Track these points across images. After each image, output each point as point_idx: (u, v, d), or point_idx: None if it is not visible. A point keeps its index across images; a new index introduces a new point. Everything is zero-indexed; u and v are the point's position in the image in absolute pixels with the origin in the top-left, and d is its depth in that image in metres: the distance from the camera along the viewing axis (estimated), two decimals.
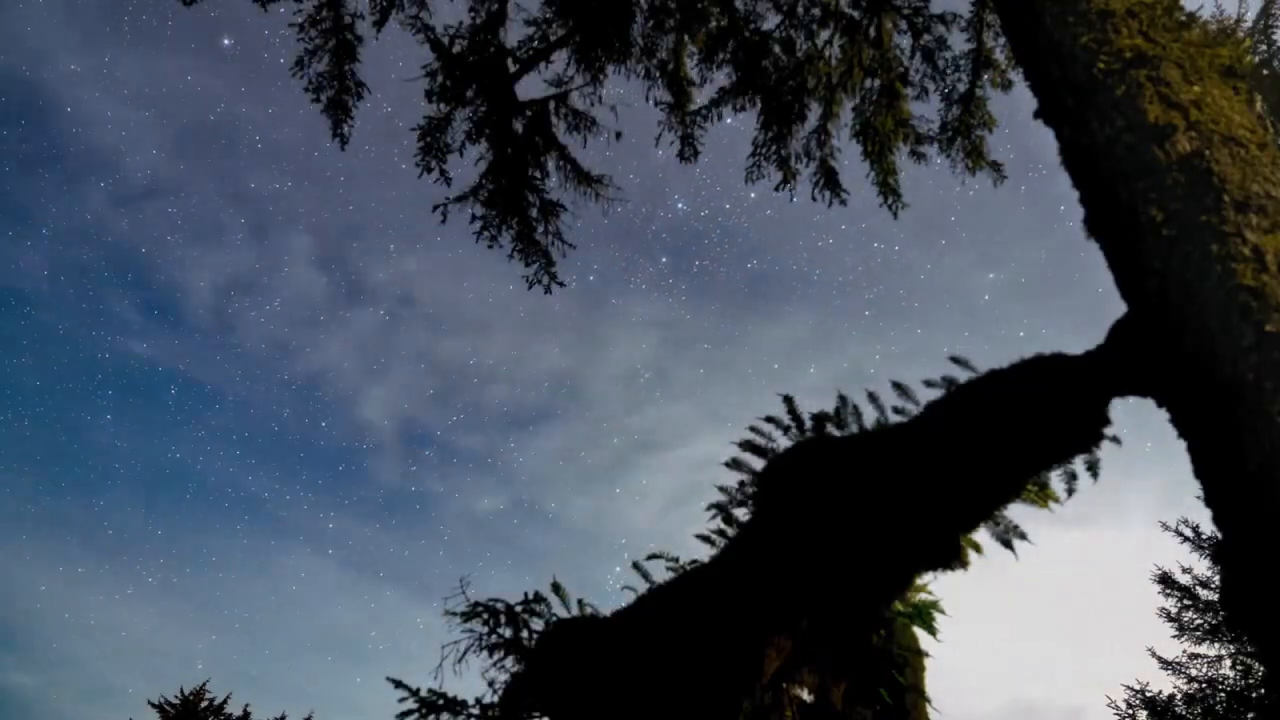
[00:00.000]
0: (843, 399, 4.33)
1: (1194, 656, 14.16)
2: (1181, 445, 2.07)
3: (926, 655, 4.37)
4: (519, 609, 3.77)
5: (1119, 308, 2.50)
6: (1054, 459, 3.13)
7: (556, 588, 3.93)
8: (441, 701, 3.61)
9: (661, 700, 3.14)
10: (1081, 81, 2.47)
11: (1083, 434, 2.94)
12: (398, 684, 3.66)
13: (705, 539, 4.41)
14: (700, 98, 7.59)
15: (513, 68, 7.14)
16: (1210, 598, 14.15)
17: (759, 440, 4.48)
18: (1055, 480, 3.59)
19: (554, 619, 3.74)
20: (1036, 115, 2.80)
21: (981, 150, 7.55)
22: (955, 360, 3.59)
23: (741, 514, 4.38)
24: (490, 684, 3.61)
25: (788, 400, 4.52)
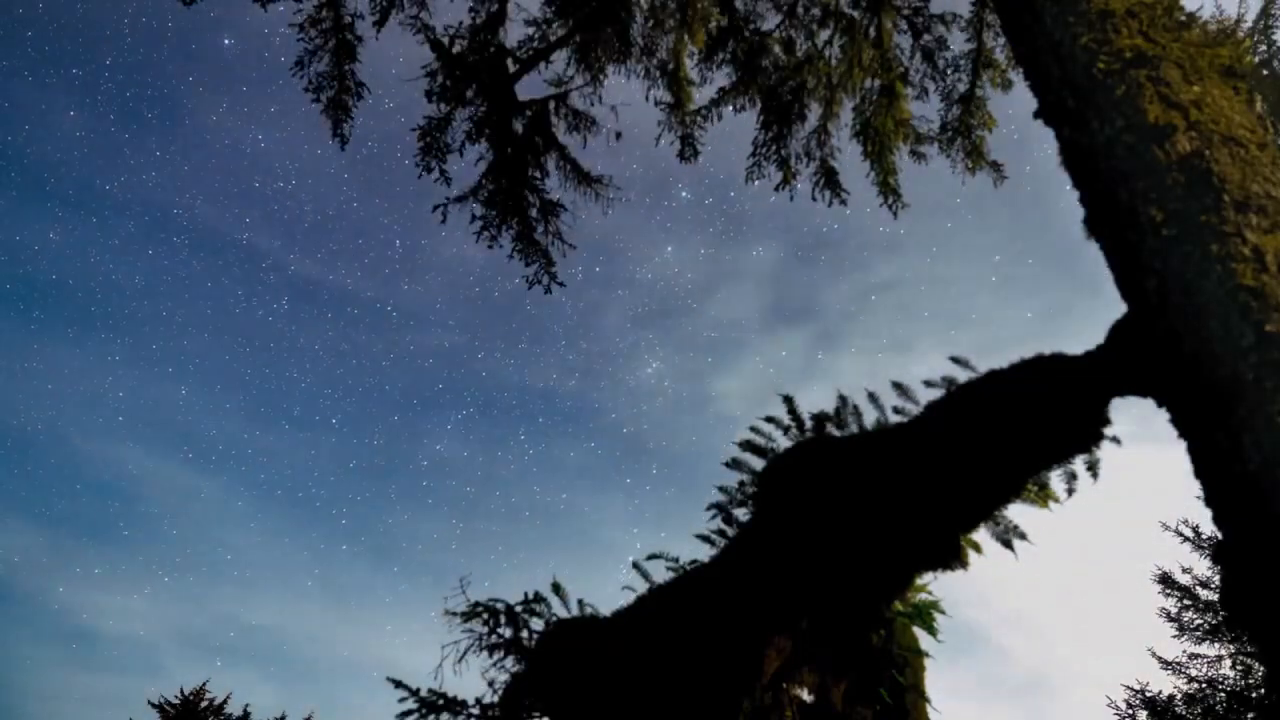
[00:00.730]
0: (843, 399, 4.33)
1: (1194, 656, 14.16)
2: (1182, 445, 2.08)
3: (926, 655, 4.37)
4: (519, 609, 3.77)
5: (1119, 307, 2.50)
6: (1054, 459, 3.14)
7: (557, 588, 3.93)
8: (441, 701, 3.61)
9: (661, 700, 3.14)
10: (1081, 81, 2.47)
11: (1083, 434, 2.94)
12: (398, 684, 3.66)
13: (705, 539, 4.41)
14: (700, 98, 7.60)
15: (513, 68, 7.14)
16: (1210, 598, 14.15)
17: (759, 440, 4.48)
18: (1055, 480, 3.59)
19: (554, 619, 3.73)
20: (1036, 115, 2.80)
21: (981, 150, 7.55)
22: (955, 360, 3.59)
23: (741, 514, 4.39)
24: (490, 684, 3.61)
25: (788, 400, 4.52)
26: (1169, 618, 14.54)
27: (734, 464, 4.51)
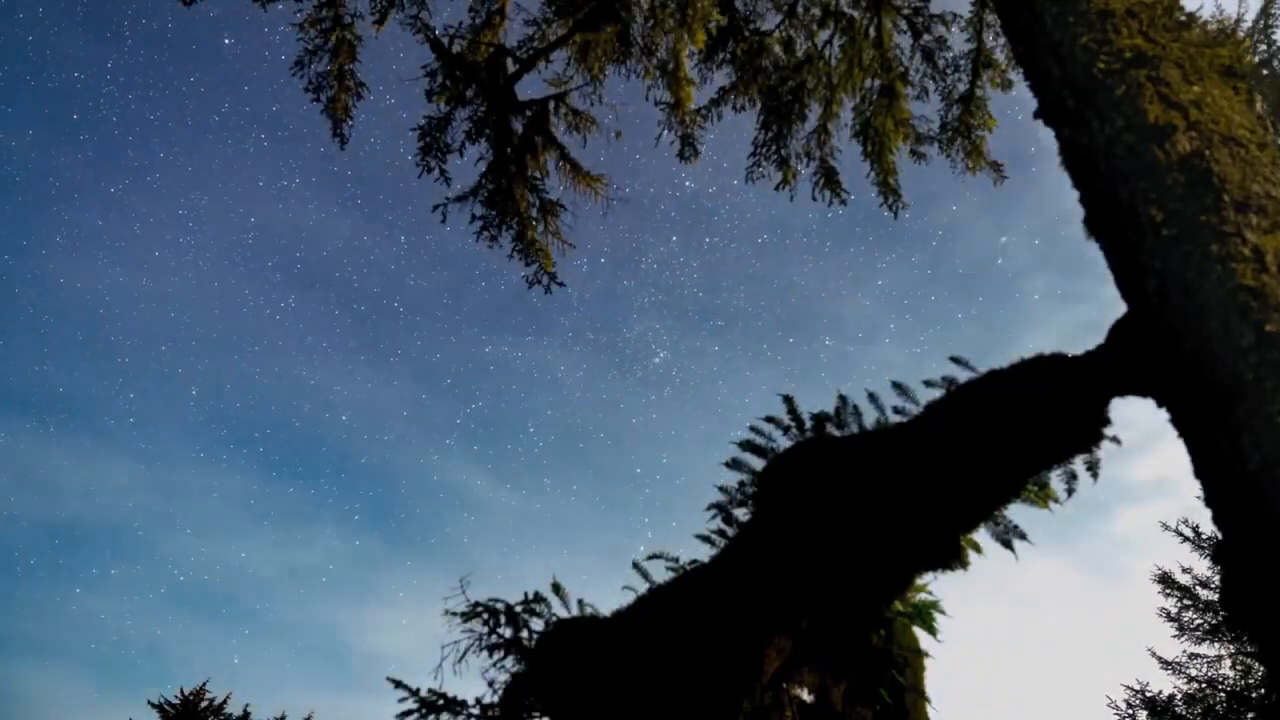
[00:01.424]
0: (843, 399, 4.33)
1: (1194, 656, 14.16)
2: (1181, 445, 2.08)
3: (926, 655, 4.37)
4: (519, 609, 3.77)
5: (1119, 307, 2.50)
6: (1054, 459, 3.14)
7: (557, 588, 3.93)
8: (441, 701, 3.61)
9: (661, 700, 3.14)
10: (1081, 81, 2.47)
11: (1083, 434, 2.94)
12: (398, 684, 3.66)
13: (705, 539, 4.41)
14: (700, 98, 7.60)
15: (513, 68, 7.14)
16: (1210, 598, 14.15)
17: (759, 440, 4.48)
18: (1055, 480, 3.59)
19: (554, 619, 3.73)
20: (1036, 115, 2.80)
21: (981, 150, 7.55)
22: (955, 360, 3.59)
23: (741, 514, 4.38)
24: (490, 684, 3.61)
25: (788, 400, 4.52)
26: (1169, 618, 14.54)
27: (734, 464, 4.51)
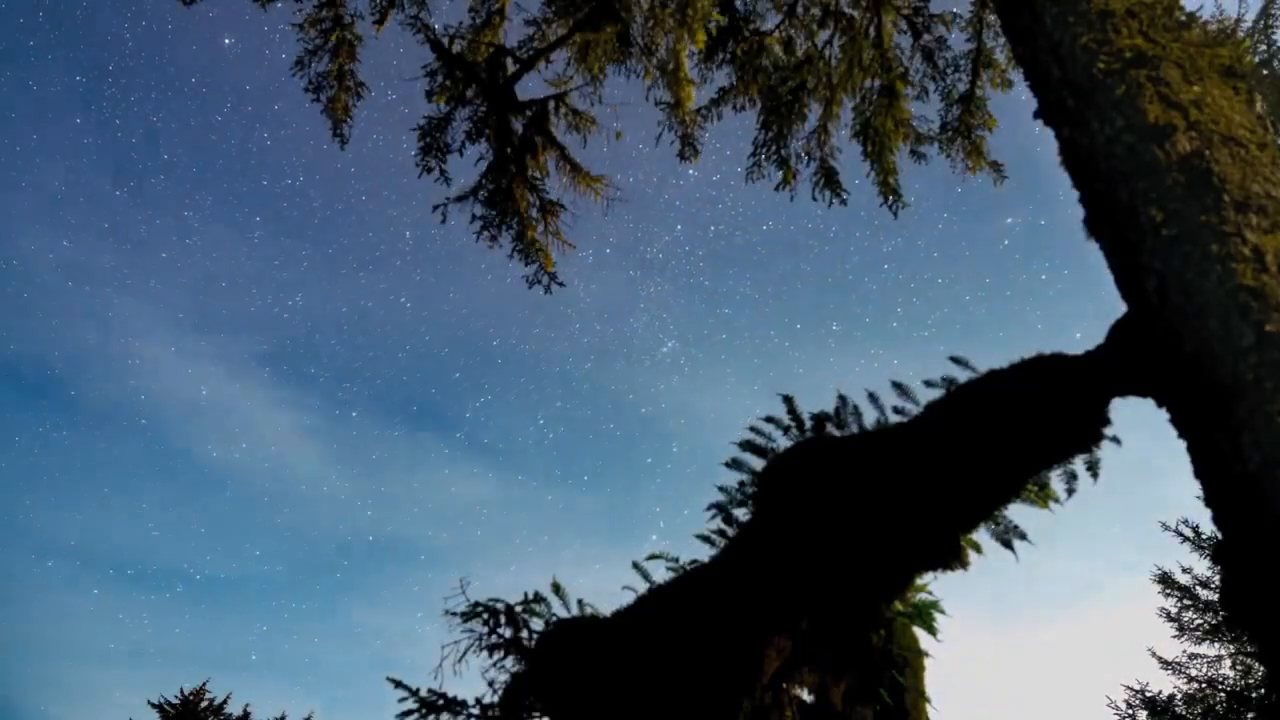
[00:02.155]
0: (843, 399, 4.33)
1: (1194, 656, 14.16)
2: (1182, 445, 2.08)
3: (926, 655, 4.37)
4: (519, 609, 3.77)
5: (1119, 307, 2.50)
6: (1054, 459, 3.14)
7: (556, 588, 3.93)
8: (441, 701, 3.61)
9: (661, 700, 3.14)
10: (1081, 81, 2.47)
11: (1083, 434, 2.94)
12: (398, 684, 3.66)
13: (705, 539, 4.41)
14: (700, 98, 7.60)
15: (513, 68, 7.14)
16: (1210, 598, 14.15)
17: (759, 440, 4.48)
18: (1055, 480, 3.59)
19: (554, 619, 3.74)
20: (1036, 115, 2.80)
21: (981, 150, 7.55)
22: (955, 360, 3.59)
23: (741, 514, 4.38)
24: (490, 684, 3.61)
25: (788, 400, 4.52)
26: (1169, 618, 14.54)
27: (734, 464, 4.51)
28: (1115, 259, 2.34)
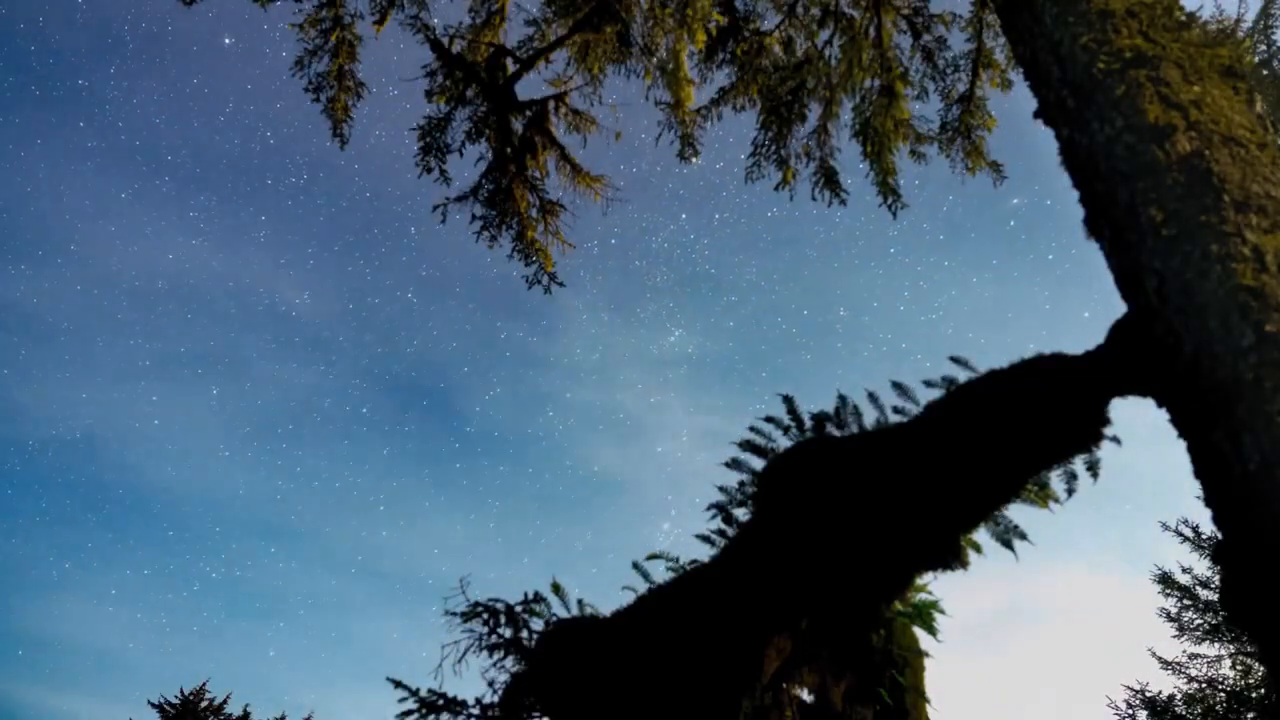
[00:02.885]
0: (843, 399, 4.33)
1: (1194, 656, 14.17)
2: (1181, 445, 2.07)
3: (926, 655, 4.37)
4: (519, 609, 3.77)
5: (1119, 307, 2.50)
6: (1054, 459, 3.13)
7: (556, 588, 3.93)
8: (441, 701, 3.61)
9: (661, 700, 3.14)
10: (1081, 81, 2.47)
11: (1083, 434, 2.94)
12: (398, 684, 3.66)
13: (705, 539, 4.42)
14: (700, 98, 7.60)
15: (513, 68, 7.14)
16: (1210, 598, 14.15)
17: (759, 440, 4.48)
18: (1055, 480, 3.59)
19: (554, 619, 3.73)
20: (1036, 115, 2.80)
21: (981, 150, 7.55)
22: (955, 360, 3.59)
23: (741, 514, 4.38)
24: (490, 684, 3.61)
25: (788, 400, 4.52)
26: (1169, 618, 14.54)
27: (734, 464, 4.51)
28: (1115, 259, 2.34)
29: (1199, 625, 14.17)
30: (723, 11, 7.19)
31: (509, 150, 7.22)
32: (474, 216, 7.33)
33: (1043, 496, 3.67)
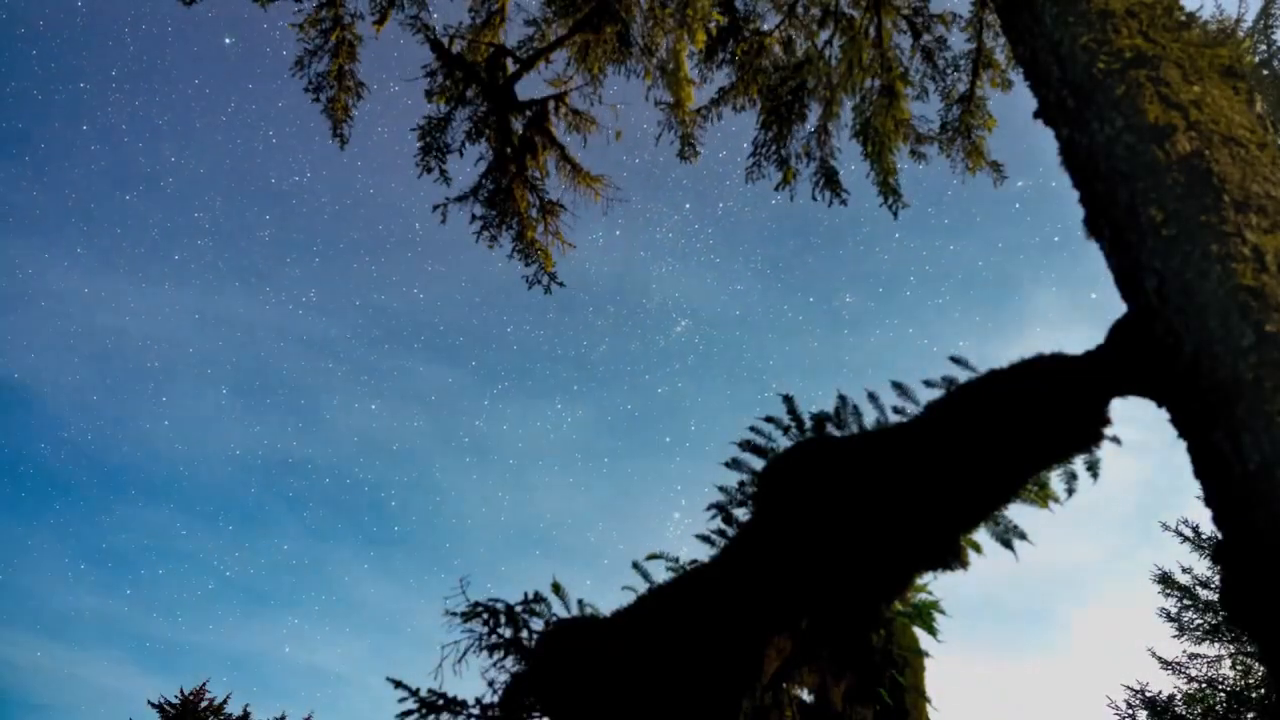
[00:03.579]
0: (842, 399, 4.33)
1: (1194, 656, 14.17)
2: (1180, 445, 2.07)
3: (926, 655, 4.37)
4: (519, 609, 3.77)
5: (1119, 307, 2.50)
6: (1054, 459, 3.13)
7: (556, 588, 3.93)
8: (441, 701, 3.61)
9: (661, 700, 3.14)
10: (1081, 81, 2.47)
11: (1083, 434, 2.94)
12: (397, 684, 3.66)
13: (705, 539, 4.42)
14: (700, 98, 7.60)
15: (513, 68, 7.14)
16: (1210, 598, 14.16)
17: (759, 440, 4.48)
18: (1055, 480, 3.59)
19: (554, 619, 3.74)
20: (1036, 115, 2.80)
21: (981, 150, 7.56)
22: (955, 360, 3.59)
23: (741, 514, 4.39)
24: (490, 684, 3.61)
25: (788, 400, 4.52)
26: (1169, 618, 14.54)
27: (734, 464, 4.51)
28: (1115, 259, 2.34)
29: (1199, 625, 14.17)
30: (723, 11, 7.19)
31: (509, 150, 7.22)
32: (474, 216, 7.33)
33: (1043, 496, 3.67)
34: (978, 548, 3.81)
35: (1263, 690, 13.17)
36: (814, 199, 7.75)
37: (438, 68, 6.89)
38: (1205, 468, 1.93)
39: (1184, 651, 14.26)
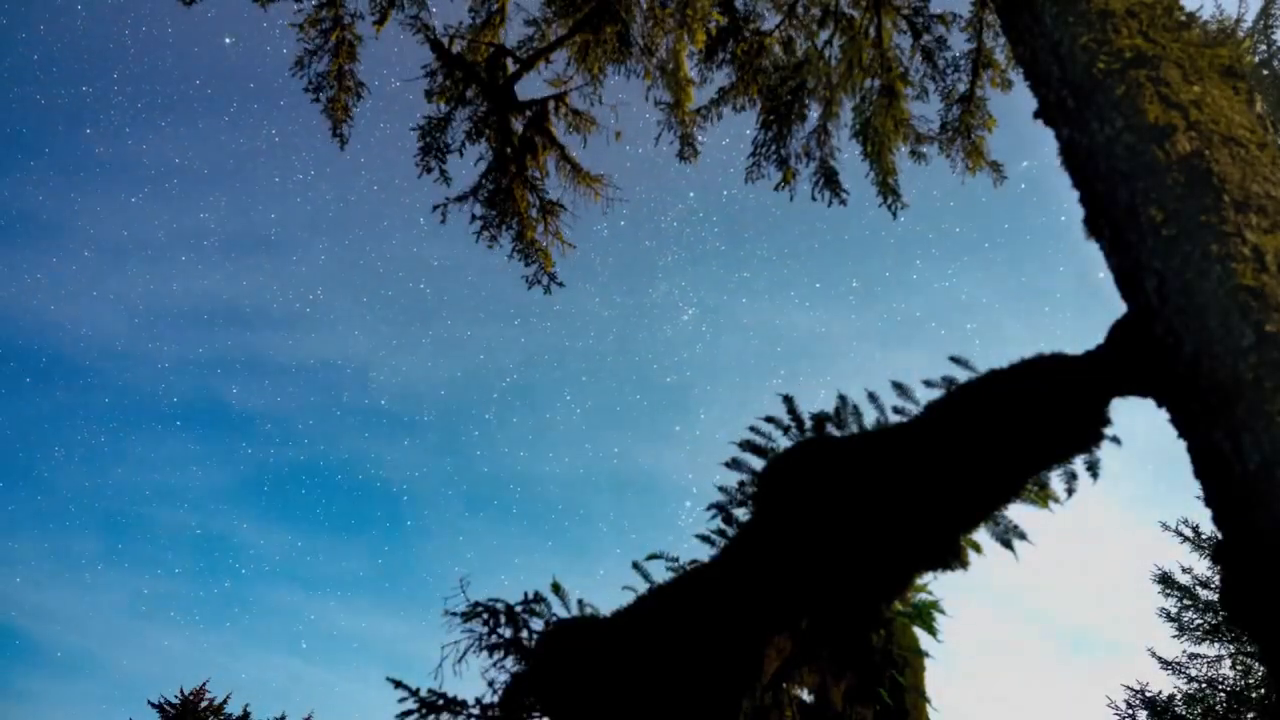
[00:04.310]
0: (842, 399, 4.33)
1: (1194, 656, 14.16)
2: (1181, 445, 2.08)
3: (926, 655, 4.37)
4: (519, 609, 3.77)
5: (1119, 307, 2.50)
6: (1054, 459, 3.14)
7: (556, 588, 3.93)
8: (441, 701, 3.61)
9: (661, 700, 3.14)
10: (1081, 81, 2.47)
11: (1083, 434, 2.94)
12: (397, 684, 3.66)
13: (705, 539, 4.42)
14: (700, 98, 7.60)
15: (513, 68, 7.14)
16: (1210, 598, 14.15)
17: (759, 440, 4.48)
18: (1055, 480, 3.59)
19: (554, 619, 3.74)
20: (1036, 115, 2.81)
21: (981, 150, 7.56)
22: (955, 360, 3.59)
23: (741, 514, 4.39)
24: (490, 684, 3.61)
25: (788, 400, 4.52)
26: (1169, 618, 14.54)
27: (734, 464, 4.51)
28: (1115, 259, 2.34)
29: (1199, 625, 14.17)
30: (723, 11, 7.19)
31: (509, 150, 7.23)
32: (474, 216, 7.33)
33: (1043, 496, 3.67)
34: (978, 548, 3.81)
35: (1263, 690, 13.17)
36: (814, 199, 7.75)
37: (438, 68, 6.89)
38: (1205, 468, 1.94)
39: (1184, 651, 14.27)
